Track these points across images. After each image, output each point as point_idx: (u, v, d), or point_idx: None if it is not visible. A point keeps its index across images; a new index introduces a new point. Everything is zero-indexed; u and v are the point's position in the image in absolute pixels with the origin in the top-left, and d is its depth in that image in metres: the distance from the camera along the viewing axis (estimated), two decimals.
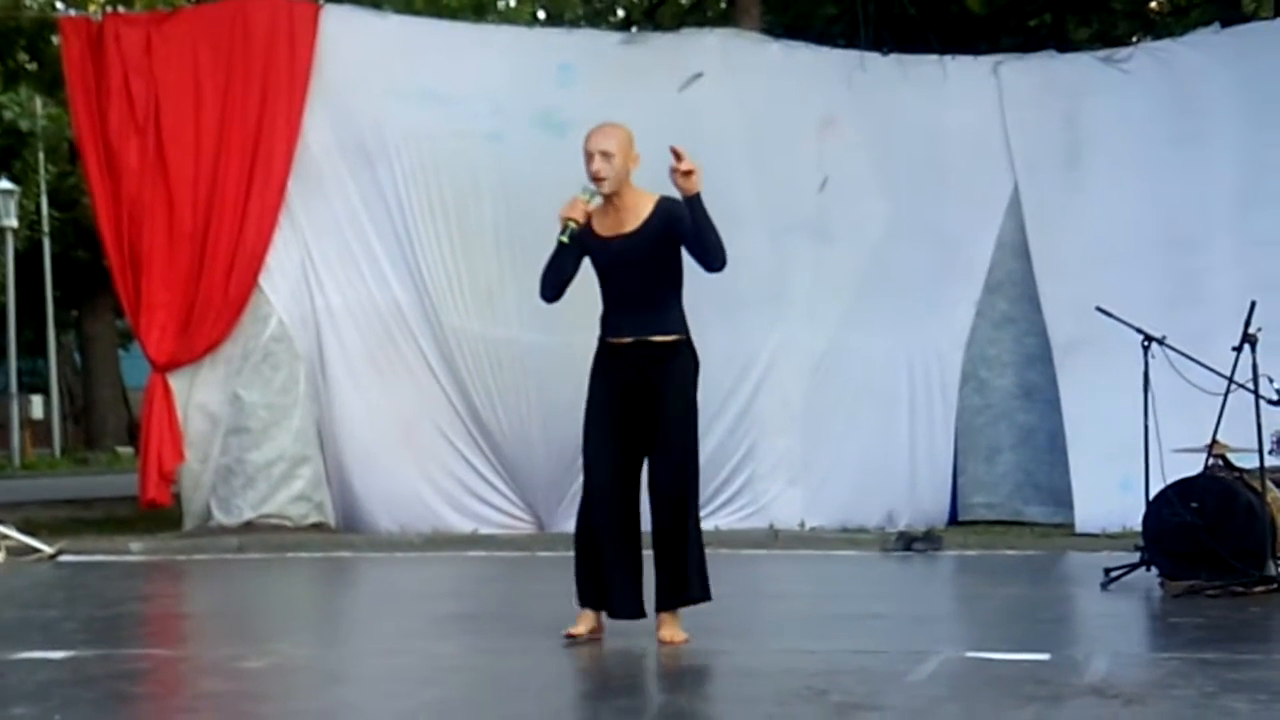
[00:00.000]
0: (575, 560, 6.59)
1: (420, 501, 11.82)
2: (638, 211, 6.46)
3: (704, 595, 6.53)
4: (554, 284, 6.56)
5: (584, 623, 6.57)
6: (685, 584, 6.45)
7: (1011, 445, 12.50)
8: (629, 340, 6.47)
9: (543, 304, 6.68)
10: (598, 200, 6.49)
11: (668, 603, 6.50)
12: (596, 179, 6.42)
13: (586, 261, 6.61)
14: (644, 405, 6.43)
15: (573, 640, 6.51)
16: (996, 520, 12.30)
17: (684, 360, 6.49)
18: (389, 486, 11.80)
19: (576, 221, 6.41)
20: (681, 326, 6.51)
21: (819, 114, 12.36)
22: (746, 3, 14.63)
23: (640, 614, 6.53)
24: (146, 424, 11.65)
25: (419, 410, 11.86)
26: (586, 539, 6.54)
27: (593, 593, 6.55)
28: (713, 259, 6.38)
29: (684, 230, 6.36)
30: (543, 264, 6.57)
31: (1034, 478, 12.38)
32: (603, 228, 6.51)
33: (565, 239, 6.42)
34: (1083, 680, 5.69)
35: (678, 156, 6.26)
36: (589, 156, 6.44)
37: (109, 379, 31.88)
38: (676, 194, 6.35)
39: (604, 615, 6.59)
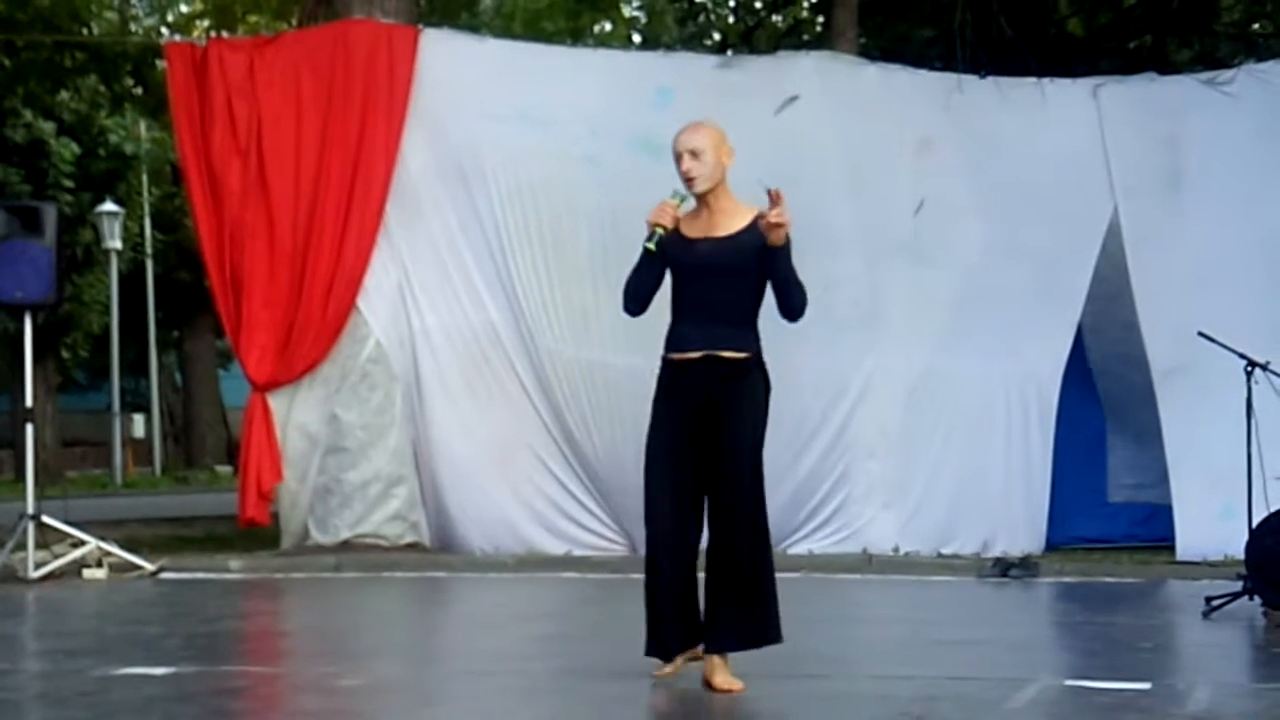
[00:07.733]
0: (648, 608, 6.23)
1: (514, 522, 11.83)
2: (732, 218, 6.08)
3: (779, 636, 6.09)
4: (639, 296, 6.18)
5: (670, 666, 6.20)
6: (766, 624, 6.04)
7: (1159, 430, 12.23)
8: (696, 355, 6.04)
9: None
10: (689, 204, 6.11)
11: (741, 643, 6.05)
12: (688, 179, 6.06)
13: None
14: (710, 431, 6.04)
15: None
16: (1145, 502, 12.24)
17: (754, 382, 6.05)
18: (483, 507, 11.84)
19: (665, 228, 6.00)
20: (755, 345, 6.08)
21: (916, 136, 12.29)
22: (842, 25, 14.59)
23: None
24: (246, 443, 11.77)
25: (513, 432, 11.89)
26: (657, 583, 6.18)
27: (667, 643, 6.19)
28: (796, 312, 6.07)
29: (774, 267, 6.01)
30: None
31: None
32: (691, 229, 6.10)
33: (652, 246, 6.01)
34: (1184, 710, 5.62)
35: (774, 201, 5.91)
36: (678, 156, 6.08)
37: (209, 398, 32.33)
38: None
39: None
